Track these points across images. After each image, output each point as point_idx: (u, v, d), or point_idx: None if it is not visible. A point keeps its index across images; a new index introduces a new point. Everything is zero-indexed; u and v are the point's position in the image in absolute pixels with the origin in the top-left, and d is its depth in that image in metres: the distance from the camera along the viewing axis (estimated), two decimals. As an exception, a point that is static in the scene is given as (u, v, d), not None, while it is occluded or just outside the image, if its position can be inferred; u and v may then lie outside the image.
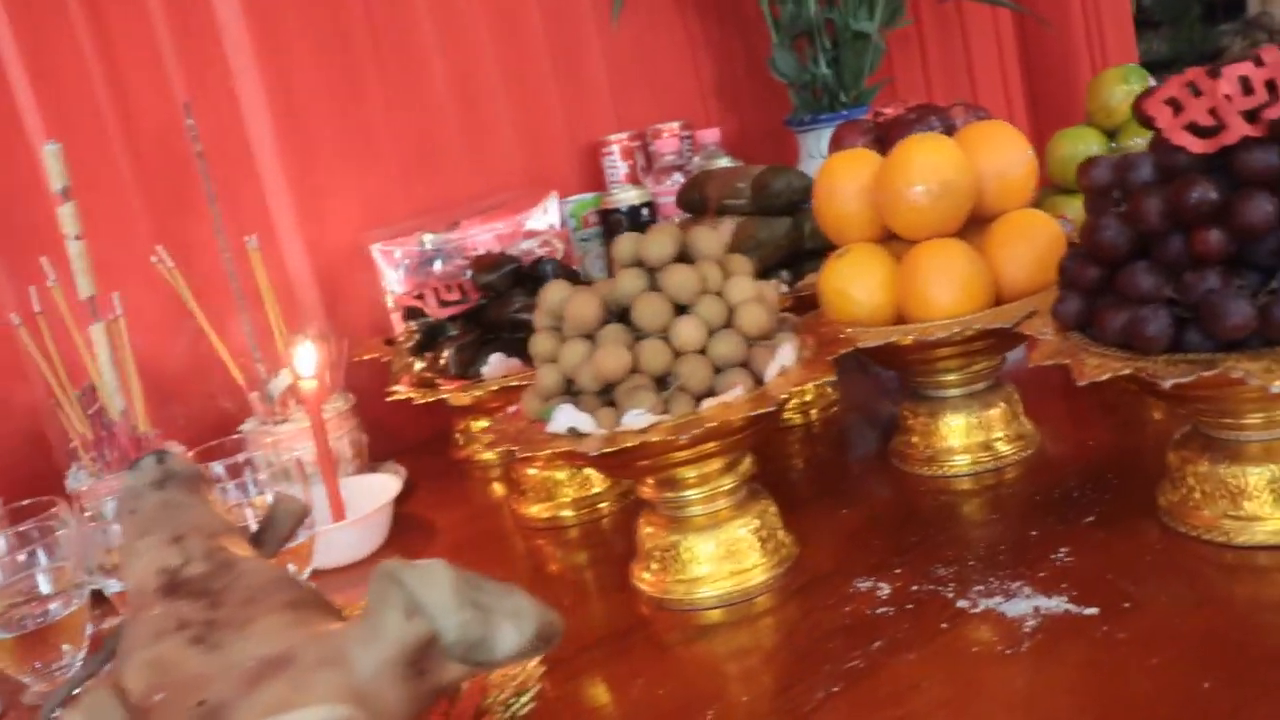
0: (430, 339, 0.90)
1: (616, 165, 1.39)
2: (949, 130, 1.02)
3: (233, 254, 1.10)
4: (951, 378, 0.83)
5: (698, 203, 1.10)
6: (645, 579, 0.76)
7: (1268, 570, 0.60)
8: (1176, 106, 0.58)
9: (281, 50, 1.24)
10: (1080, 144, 1.07)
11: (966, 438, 0.83)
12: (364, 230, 1.27)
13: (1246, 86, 0.56)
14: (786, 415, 1.07)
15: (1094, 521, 0.70)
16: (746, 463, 0.75)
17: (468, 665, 0.42)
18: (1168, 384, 0.54)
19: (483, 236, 1.03)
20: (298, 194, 1.26)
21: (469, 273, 0.91)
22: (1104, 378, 0.57)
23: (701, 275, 0.69)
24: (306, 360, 0.99)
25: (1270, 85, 0.55)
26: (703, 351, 0.68)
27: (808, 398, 1.06)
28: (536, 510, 0.94)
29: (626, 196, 1.29)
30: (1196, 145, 0.56)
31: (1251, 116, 0.55)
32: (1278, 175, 0.55)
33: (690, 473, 0.72)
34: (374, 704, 0.39)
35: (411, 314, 0.92)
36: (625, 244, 0.71)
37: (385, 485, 1.00)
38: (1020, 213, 0.80)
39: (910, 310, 0.79)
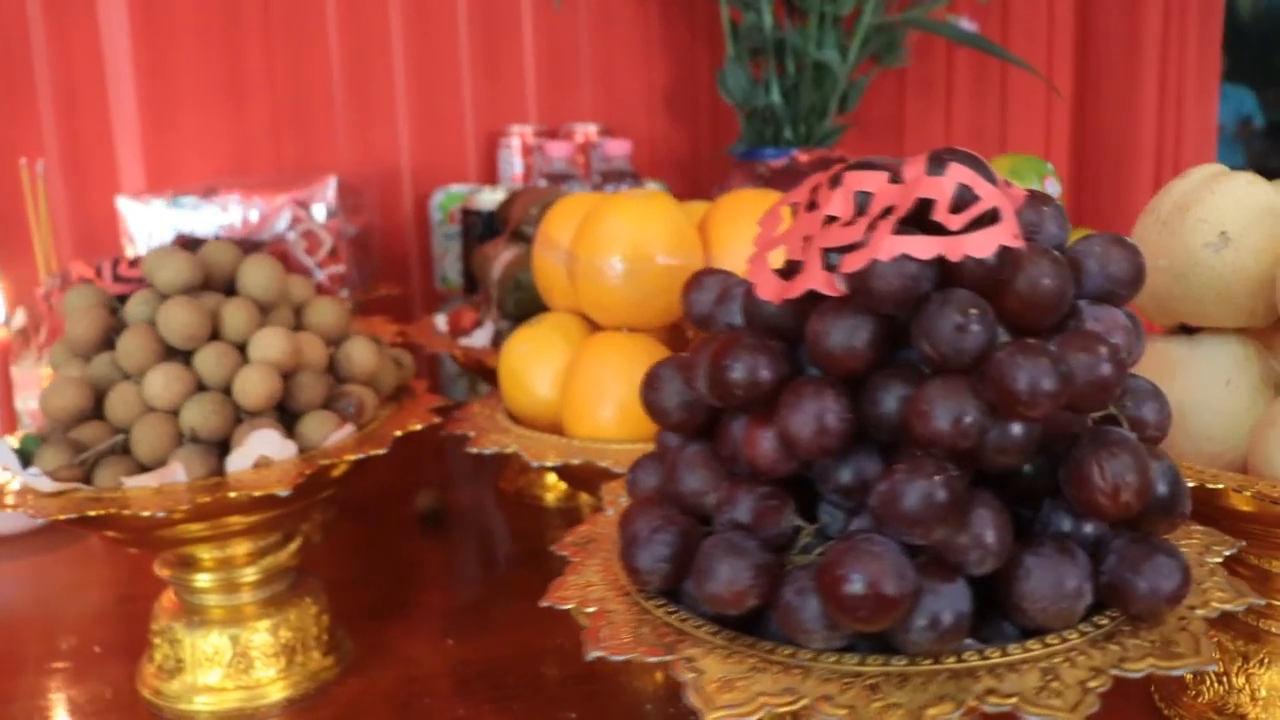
0: (82, 315, 0.75)
1: (513, 161, 1.21)
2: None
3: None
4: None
5: (501, 221, 0.91)
6: (145, 674, 0.59)
7: None
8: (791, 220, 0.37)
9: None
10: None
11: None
12: (217, 177, 1.13)
13: (862, 209, 0.34)
14: (545, 493, 0.87)
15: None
16: (285, 554, 0.57)
17: None
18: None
19: (233, 209, 0.87)
20: (148, 127, 1.13)
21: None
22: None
23: (214, 317, 0.51)
24: (-11, 301, 0.87)
25: (886, 213, 0.33)
26: (176, 413, 0.50)
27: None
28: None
29: (492, 198, 1.10)
30: (765, 288, 0.34)
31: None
32: (862, 362, 0.33)
33: (206, 553, 0.55)
34: None
35: (85, 284, 0.77)
36: (148, 260, 0.54)
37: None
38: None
39: (566, 418, 0.59)
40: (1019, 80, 1.47)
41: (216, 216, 0.87)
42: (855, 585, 0.29)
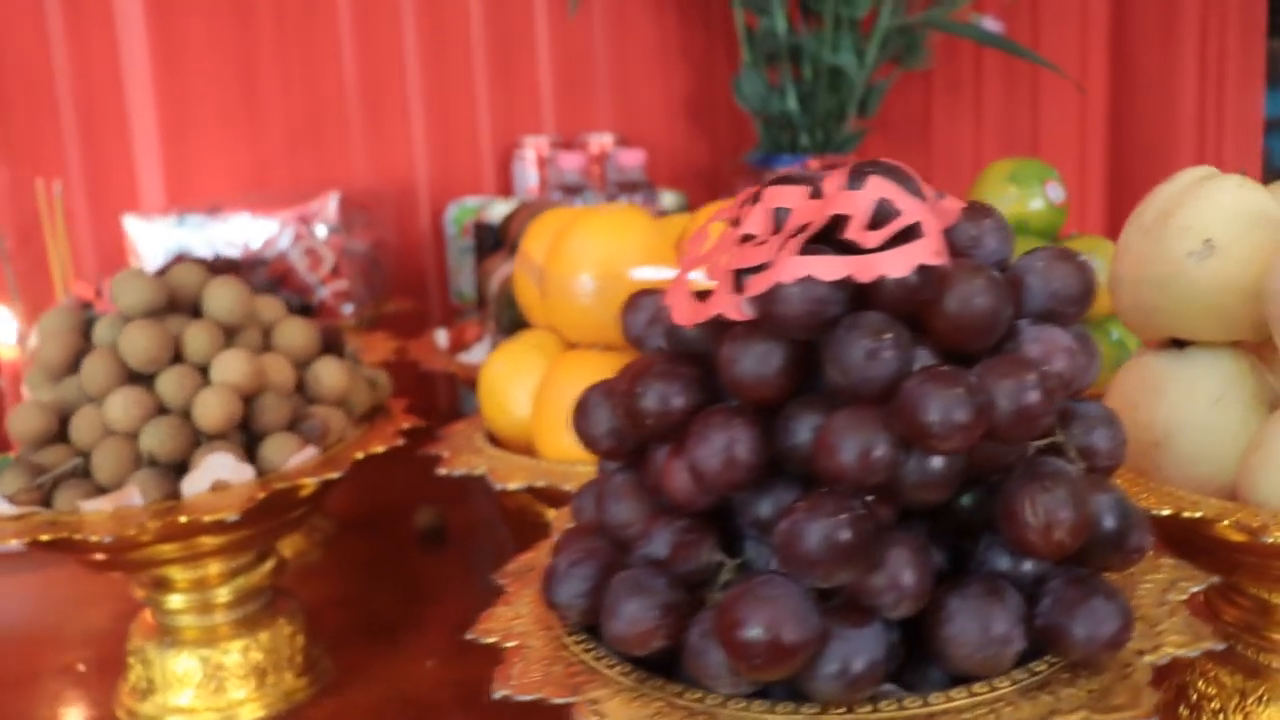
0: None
1: (527, 173, 1.20)
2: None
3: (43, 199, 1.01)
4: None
5: (504, 235, 0.90)
6: (120, 694, 0.59)
7: None
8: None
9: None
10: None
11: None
12: (234, 195, 1.15)
13: (779, 227, 0.32)
14: (548, 510, 0.86)
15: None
16: (258, 574, 0.57)
17: None
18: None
19: (238, 227, 0.87)
20: (167, 146, 1.15)
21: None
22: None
23: (177, 340, 0.51)
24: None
25: (799, 232, 0.31)
26: (137, 436, 0.50)
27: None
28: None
29: (504, 211, 1.10)
30: (680, 312, 0.33)
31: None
32: (774, 390, 0.31)
33: (179, 574, 0.55)
34: None
35: (85, 306, 0.78)
36: (114, 283, 0.54)
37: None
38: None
39: (537, 438, 0.58)
40: (1051, 79, 1.42)
41: (223, 234, 0.88)
42: (752, 631, 0.28)
